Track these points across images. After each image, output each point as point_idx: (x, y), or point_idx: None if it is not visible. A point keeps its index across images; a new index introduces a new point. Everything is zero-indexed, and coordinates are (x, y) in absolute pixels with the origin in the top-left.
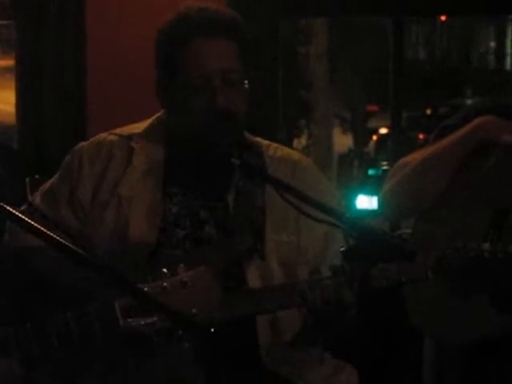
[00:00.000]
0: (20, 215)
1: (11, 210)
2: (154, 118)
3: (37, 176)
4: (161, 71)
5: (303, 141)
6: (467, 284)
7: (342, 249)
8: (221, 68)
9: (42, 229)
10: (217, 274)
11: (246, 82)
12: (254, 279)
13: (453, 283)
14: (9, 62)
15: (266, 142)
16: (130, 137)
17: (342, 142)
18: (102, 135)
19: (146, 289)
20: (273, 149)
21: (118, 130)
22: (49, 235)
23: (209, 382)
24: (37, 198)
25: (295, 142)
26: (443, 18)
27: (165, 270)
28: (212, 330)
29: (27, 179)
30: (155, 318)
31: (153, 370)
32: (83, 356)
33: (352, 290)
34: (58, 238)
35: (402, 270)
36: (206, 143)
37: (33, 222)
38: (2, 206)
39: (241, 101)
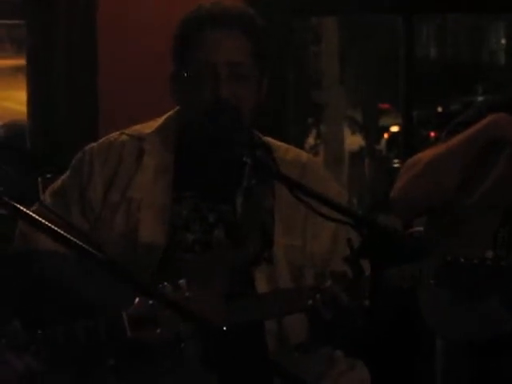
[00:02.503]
0: (32, 214)
1: (23, 209)
2: (165, 116)
3: (48, 175)
4: (175, 63)
5: (314, 139)
6: (468, 292)
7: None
8: (228, 60)
9: (55, 228)
10: (221, 290)
11: (257, 77)
12: (262, 284)
13: (453, 290)
14: (20, 62)
15: (277, 143)
16: (140, 137)
17: (353, 140)
18: (113, 135)
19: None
20: (283, 150)
21: (129, 130)
22: (62, 234)
23: None
24: (46, 198)
25: (306, 141)
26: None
27: (167, 284)
28: (224, 328)
29: (39, 178)
30: (159, 330)
31: (161, 379)
32: (90, 364)
33: (354, 298)
34: (71, 237)
35: (403, 275)
36: (203, 133)
37: (45, 221)
38: (14, 206)
39: (246, 95)
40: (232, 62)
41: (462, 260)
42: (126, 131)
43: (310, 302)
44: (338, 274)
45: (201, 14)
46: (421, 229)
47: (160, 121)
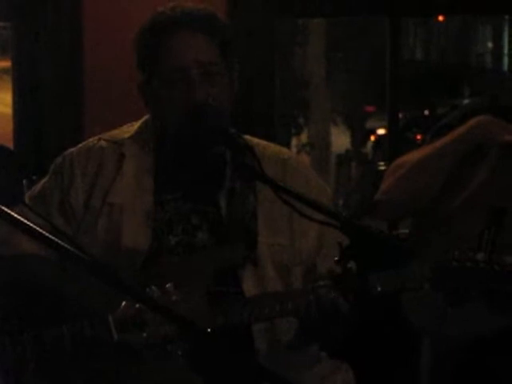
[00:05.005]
0: (16, 216)
1: (8, 211)
2: (141, 121)
3: (34, 177)
4: (141, 71)
5: (301, 140)
6: (461, 294)
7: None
8: (197, 60)
9: (39, 230)
10: (207, 292)
11: (227, 75)
12: (249, 285)
13: (446, 293)
14: (6, 64)
15: (255, 141)
16: (119, 142)
17: (340, 142)
18: (91, 140)
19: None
20: (262, 147)
21: (107, 135)
22: (47, 237)
23: None
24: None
25: (293, 142)
26: (440, 18)
27: (154, 288)
28: (209, 330)
29: (24, 180)
30: (145, 334)
31: (147, 381)
32: (75, 367)
33: (347, 300)
34: (56, 239)
35: (397, 278)
36: (184, 136)
37: (30, 224)
38: None
39: (220, 94)
40: (201, 62)
41: (455, 264)
42: (104, 136)
43: (302, 303)
44: (333, 275)
45: (162, 19)
46: (406, 231)
47: (136, 125)
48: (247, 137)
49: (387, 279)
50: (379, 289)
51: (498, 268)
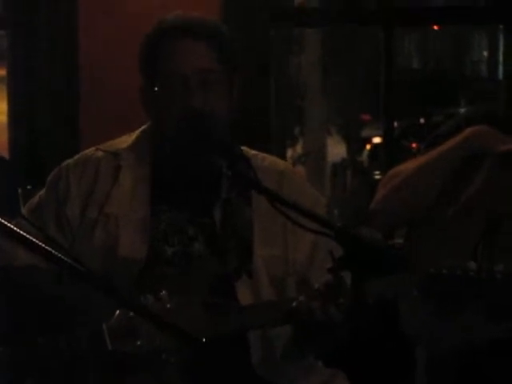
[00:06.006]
0: (12, 227)
1: (3, 221)
2: (139, 130)
3: (29, 186)
4: (143, 75)
5: (297, 150)
6: (450, 303)
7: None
8: (196, 68)
9: (37, 242)
10: (201, 300)
11: (227, 84)
12: (244, 296)
13: (437, 302)
14: (1, 72)
15: (252, 152)
16: (116, 153)
17: (336, 151)
18: (89, 151)
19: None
20: (259, 159)
21: (104, 146)
22: (44, 248)
23: None
24: (24, 214)
25: (289, 151)
26: (435, 27)
27: (149, 295)
28: (203, 340)
29: (19, 190)
30: (139, 342)
31: None
32: (72, 377)
33: (340, 309)
34: (53, 251)
35: (388, 286)
36: (180, 143)
37: (27, 236)
38: None
39: (219, 102)
40: (200, 69)
41: (445, 271)
42: (101, 147)
43: (294, 305)
44: (325, 286)
45: (164, 26)
46: (401, 241)
47: (134, 135)
48: (244, 148)
49: (377, 287)
50: (370, 297)
51: (488, 276)
